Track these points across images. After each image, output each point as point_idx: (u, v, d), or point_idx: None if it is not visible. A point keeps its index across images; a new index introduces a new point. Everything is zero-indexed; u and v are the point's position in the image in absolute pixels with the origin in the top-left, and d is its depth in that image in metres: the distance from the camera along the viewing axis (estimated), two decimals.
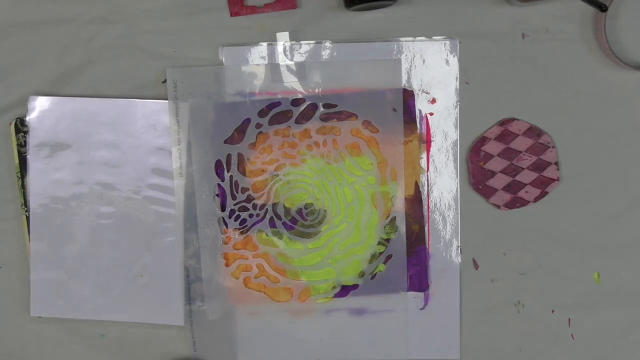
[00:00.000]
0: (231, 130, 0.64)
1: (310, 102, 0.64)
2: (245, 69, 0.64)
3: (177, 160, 0.64)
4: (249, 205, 0.65)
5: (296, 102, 0.64)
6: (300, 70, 0.63)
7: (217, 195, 0.64)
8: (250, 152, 0.64)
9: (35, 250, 0.65)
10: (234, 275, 0.65)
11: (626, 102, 0.64)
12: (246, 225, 0.65)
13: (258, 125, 0.64)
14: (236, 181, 0.64)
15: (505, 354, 0.66)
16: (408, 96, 0.64)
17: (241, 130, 0.64)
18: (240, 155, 0.64)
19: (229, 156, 0.64)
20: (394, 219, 0.64)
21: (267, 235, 0.65)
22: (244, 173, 0.64)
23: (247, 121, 0.64)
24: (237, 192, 0.64)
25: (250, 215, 0.65)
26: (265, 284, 0.65)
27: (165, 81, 0.64)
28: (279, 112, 0.64)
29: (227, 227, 0.65)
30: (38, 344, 0.67)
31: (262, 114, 0.64)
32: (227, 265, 0.65)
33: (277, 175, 0.64)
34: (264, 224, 0.65)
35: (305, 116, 0.64)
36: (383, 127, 0.64)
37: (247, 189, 0.64)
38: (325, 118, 0.64)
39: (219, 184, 0.64)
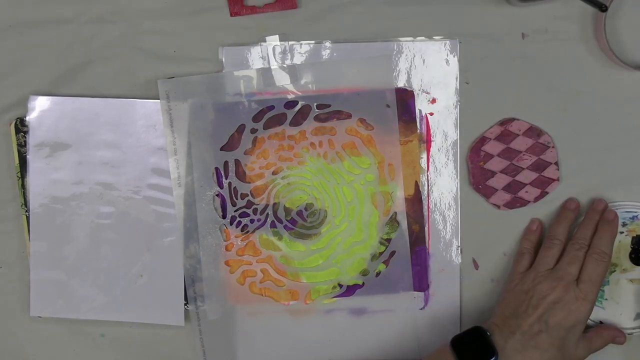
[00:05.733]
0: (227, 137, 0.64)
1: (303, 104, 0.64)
2: (237, 74, 0.63)
3: (174, 171, 0.64)
4: (249, 211, 0.64)
5: (290, 105, 0.64)
6: (292, 73, 0.63)
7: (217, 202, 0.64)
8: (247, 158, 0.64)
9: (35, 250, 0.65)
10: (239, 281, 0.65)
11: (626, 102, 0.64)
12: (248, 231, 0.64)
13: (253, 130, 0.64)
14: (235, 187, 0.64)
15: None
16: (408, 96, 0.64)
17: (237, 137, 0.64)
18: (237, 162, 0.64)
19: (226, 163, 0.64)
20: (394, 218, 0.64)
21: (266, 236, 0.64)
22: (242, 179, 0.64)
23: (242, 127, 0.64)
24: (237, 199, 0.64)
25: (252, 221, 0.64)
26: (271, 288, 0.65)
27: None
28: (273, 115, 0.64)
29: (228, 234, 0.64)
30: (38, 344, 0.67)
31: (256, 118, 0.64)
32: (231, 272, 0.65)
33: (276, 178, 0.64)
34: (265, 228, 0.65)
35: (300, 118, 0.64)
36: (378, 124, 0.64)
37: (247, 195, 0.64)
38: (319, 119, 0.64)
39: (218, 192, 0.64)
